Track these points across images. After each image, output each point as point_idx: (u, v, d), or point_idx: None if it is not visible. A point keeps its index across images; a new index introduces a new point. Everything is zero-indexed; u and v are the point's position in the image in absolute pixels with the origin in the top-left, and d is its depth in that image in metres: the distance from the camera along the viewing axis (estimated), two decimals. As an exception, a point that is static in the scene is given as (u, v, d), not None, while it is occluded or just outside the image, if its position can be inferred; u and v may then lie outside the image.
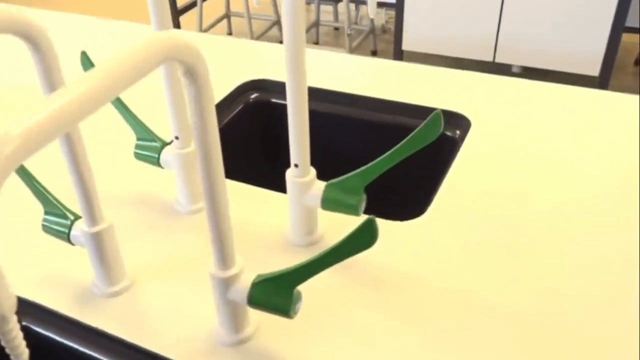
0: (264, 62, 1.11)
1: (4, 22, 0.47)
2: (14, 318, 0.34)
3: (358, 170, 0.63)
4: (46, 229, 0.63)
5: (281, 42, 3.32)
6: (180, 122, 0.70)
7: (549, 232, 0.70)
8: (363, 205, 0.65)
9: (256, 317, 0.60)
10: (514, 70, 2.89)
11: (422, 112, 0.95)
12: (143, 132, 0.73)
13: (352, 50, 3.04)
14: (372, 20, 3.17)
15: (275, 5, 3.20)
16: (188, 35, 1.28)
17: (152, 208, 0.76)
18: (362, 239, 0.49)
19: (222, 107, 1.00)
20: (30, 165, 0.62)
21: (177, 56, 0.41)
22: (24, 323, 0.63)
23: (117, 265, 0.63)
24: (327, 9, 3.61)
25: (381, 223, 0.73)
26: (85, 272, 0.66)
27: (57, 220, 0.62)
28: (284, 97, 1.05)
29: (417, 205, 0.80)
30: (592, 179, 0.78)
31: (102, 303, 0.64)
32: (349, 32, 2.91)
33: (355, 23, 3.44)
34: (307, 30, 3.29)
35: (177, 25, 3.04)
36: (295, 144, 0.63)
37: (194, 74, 0.43)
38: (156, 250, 0.70)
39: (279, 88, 1.05)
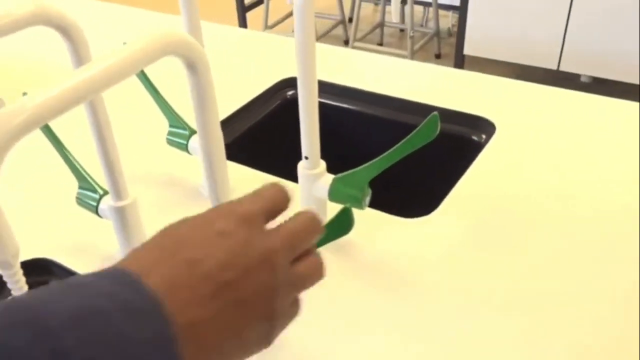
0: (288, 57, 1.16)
1: (40, 16, 0.54)
2: (18, 264, 0.40)
3: (363, 166, 0.67)
4: (79, 201, 0.70)
5: (346, 41, 3.37)
6: (207, 112, 0.75)
7: (559, 237, 0.72)
8: (367, 199, 0.69)
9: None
10: (583, 80, 2.82)
11: (448, 115, 0.97)
12: (174, 120, 0.79)
13: (414, 53, 3.04)
14: (437, 23, 3.16)
15: (341, 4, 3.24)
16: (223, 29, 1.34)
17: (179, 190, 0.82)
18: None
19: (259, 102, 1.06)
20: (71, 145, 0.69)
21: (177, 51, 0.46)
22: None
23: (139, 238, 0.70)
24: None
25: (389, 219, 0.76)
26: (111, 243, 0.73)
27: (88, 194, 0.69)
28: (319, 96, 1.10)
29: (432, 204, 0.83)
30: (612, 190, 0.79)
31: (124, 272, 0.70)
32: (411, 34, 2.92)
33: (422, 25, 3.44)
34: (372, 31, 3.32)
35: (243, 21, 3.14)
36: (306, 138, 0.68)
37: (193, 67, 0.48)
38: (178, 228, 0.76)
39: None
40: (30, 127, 0.37)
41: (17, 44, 1.13)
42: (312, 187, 0.71)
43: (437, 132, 0.61)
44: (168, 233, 0.37)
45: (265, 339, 0.36)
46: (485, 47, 2.73)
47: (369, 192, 0.68)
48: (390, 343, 0.60)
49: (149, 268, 0.32)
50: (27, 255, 0.72)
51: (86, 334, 0.27)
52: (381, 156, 0.65)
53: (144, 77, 0.78)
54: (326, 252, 0.70)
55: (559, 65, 2.61)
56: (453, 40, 3.42)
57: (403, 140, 0.63)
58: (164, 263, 0.33)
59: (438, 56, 3.28)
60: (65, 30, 0.56)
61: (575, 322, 0.61)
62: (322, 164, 0.70)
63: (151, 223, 0.76)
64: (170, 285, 0.31)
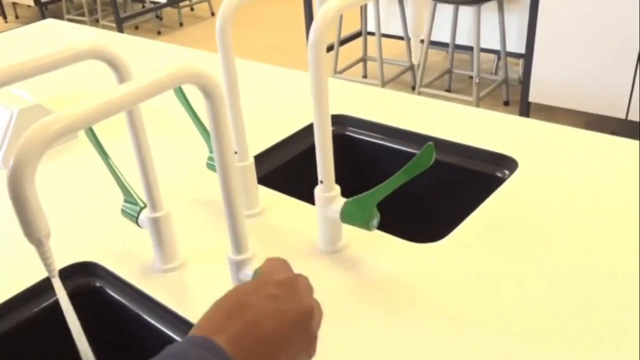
0: (347, 98, 1.24)
1: (96, 52, 0.65)
2: (48, 243, 0.49)
3: (369, 191, 0.74)
4: (123, 213, 0.81)
5: (413, 87, 3.45)
6: (239, 140, 0.85)
7: (569, 271, 0.75)
8: (375, 222, 0.75)
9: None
10: (652, 130, 2.76)
11: (470, 152, 1.03)
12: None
13: (481, 99, 3.08)
14: (505, 71, 3.19)
15: (409, 51, 3.34)
16: (281, 70, 1.45)
17: (213, 208, 0.91)
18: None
19: (301, 136, 1.14)
20: (120, 163, 0.80)
21: (193, 80, 0.55)
22: (98, 284, 0.81)
23: (172, 247, 0.79)
24: (464, 58, 3.68)
25: (403, 243, 0.82)
26: (148, 250, 0.82)
27: (131, 207, 0.79)
28: (359, 132, 1.18)
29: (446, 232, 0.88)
30: (631, 234, 0.81)
31: (159, 277, 0.79)
32: (477, 81, 2.96)
33: (492, 73, 3.48)
34: (439, 77, 3.38)
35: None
36: (321, 165, 0.75)
37: (208, 94, 0.57)
38: (209, 240, 0.84)
39: (355, 123, 1.18)
40: (61, 134, 0.47)
41: (85, 75, 1.28)
42: (326, 209, 0.78)
43: (432, 160, 0.67)
44: (231, 297, 0.49)
45: None
46: (552, 94, 2.73)
47: (377, 215, 0.74)
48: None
49: (220, 329, 0.44)
50: (75, 258, 0.83)
51: None
52: (384, 183, 0.72)
53: (188, 107, 0.88)
54: (338, 270, 0.77)
55: (627, 115, 2.57)
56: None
57: (402, 169, 0.69)
58: (231, 325, 0.45)
59: (506, 103, 3.30)
60: (115, 65, 0.67)
61: (587, 352, 0.64)
62: (337, 188, 0.77)
63: (186, 235, 0.86)
64: (236, 343, 0.44)
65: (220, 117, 0.58)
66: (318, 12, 0.67)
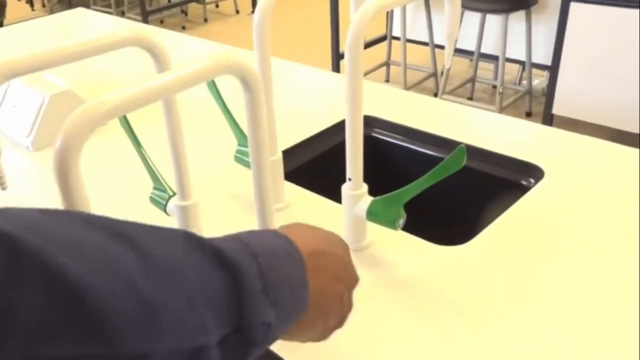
0: (374, 100, 1.25)
1: (137, 39, 0.66)
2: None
3: (397, 191, 0.74)
4: (152, 200, 0.82)
5: (435, 94, 3.44)
6: (270, 134, 0.85)
7: (590, 279, 0.75)
8: (401, 222, 0.75)
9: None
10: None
11: (496, 159, 1.03)
12: (242, 139, 0.90)
13: (504, 109, 3.06)
14: (530, 81, 3.17)
15: (434, 58, 3.33)
16: (315, 72, 1.46)
17: (241, 202, 0.92)
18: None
19: (328, 134, 1.15)
20: (152, 151, 0.81)
21: (234, 71, 0.56)
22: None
23: (198, 237, 0.80)
24: (488, 67, 3.66)
25: (426, 245, 0.82)
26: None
27: (160, 194, 0.80)
28: (384, 134, 1.18)
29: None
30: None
31: (183, 266, 0.80)
32: (500, 90, 2.95)
33: (516, 83, 3.46)
34: (462, 85, 3.37)
35: (336, 67, 3.29)
36: (350, 162, 0.76)
37: (247, 84, 0.57)
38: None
39: (381, 124, 1.18)
40: (108, 117, 0.48)
41: (113, 64, 1.30)
42: (353, 207, 0.78)
43: (464, 162, 0.67)
44: (320, 236, 0.53)
45: (334, 327, 0.52)
46: (575, 107, 2.71)
47: (404, 215, 0.75)
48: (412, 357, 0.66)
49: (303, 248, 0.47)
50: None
51: (272, 262, 0.42)
52: (412, 183, 0.72)
53: (220, 100, 0.89)
54: (362, 268, 0.78)
55: (651, 131, 2.55)
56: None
57: (431, 171, 0.70)
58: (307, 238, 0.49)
59: (529, 114, 3.28)
60: (155, 53, 0.68)
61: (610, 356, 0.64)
62: (364, 186, 0.78)
63: (211, 227, 0.87)
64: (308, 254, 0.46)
65: (258, 109, 0.59)
66: (358, 11, 0.67)
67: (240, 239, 0.43)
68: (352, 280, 0.54)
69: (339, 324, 0.52)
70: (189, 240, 0.39)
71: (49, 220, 0.34)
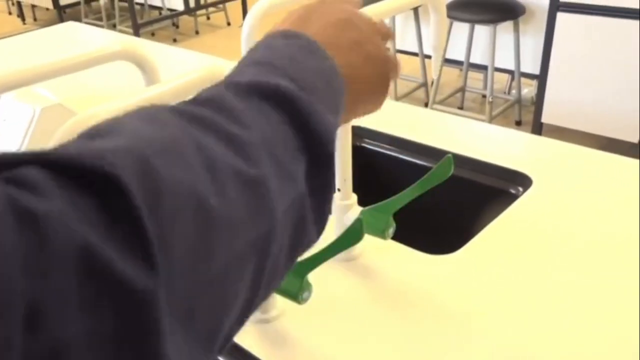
0: (364, 111, 1.25)
1: (126, 53, 0.66)
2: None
3: (387, 200, 0.75)
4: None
5: (426, 104, 3.46)
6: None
7: (580, 288, 0.75)
8: (391, 231, 0.76)
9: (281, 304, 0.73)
10: (665, 155, 2.75)
11: (484, 167, 1.03)
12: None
13: (493, 118, 3.09)
14: (519, 91, 3.20)
15: (424, 68, 3.36)
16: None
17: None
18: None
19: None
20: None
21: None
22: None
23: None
24: (477, 76, 3.69)
25: (415, 254, 0.83)
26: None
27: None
28: (374, 144, 1.19)
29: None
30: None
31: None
32: (490, 99, 2.97)
33: (505, 92, 3.49)
34: (452, 95, 3.40)
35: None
36: (339, 173, 0.77)
37: (235, 98, 0.58)
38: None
39: (371, 135, 1.19)
40: (97, 130, 0.48)
41: (104, 77, 1.31)
42: (343, 217, 0.79)
43: (451, 172, 0.68)
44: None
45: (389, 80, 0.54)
46: (564, 116, 2.74)
47: (393, 225, 0.75)
48: None
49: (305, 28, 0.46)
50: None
51: (299, 67, 0.41)
52: (401, 193, 0.73)
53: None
54: (352, 278, 0.78)
55: (640, 139, 2.58)
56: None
57: (419, 180, 0.71)
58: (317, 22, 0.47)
59: (519, 123, 3.30)
60: (143, 66, 0.68)
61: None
62: (353, 197, 0.79)
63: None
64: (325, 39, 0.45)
65: (246, 120, 0.60)
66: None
67: (258, 61, 0.43)
68: (372, 30, 0.50)
69: (393, 72, 0.53)
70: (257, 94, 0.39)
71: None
